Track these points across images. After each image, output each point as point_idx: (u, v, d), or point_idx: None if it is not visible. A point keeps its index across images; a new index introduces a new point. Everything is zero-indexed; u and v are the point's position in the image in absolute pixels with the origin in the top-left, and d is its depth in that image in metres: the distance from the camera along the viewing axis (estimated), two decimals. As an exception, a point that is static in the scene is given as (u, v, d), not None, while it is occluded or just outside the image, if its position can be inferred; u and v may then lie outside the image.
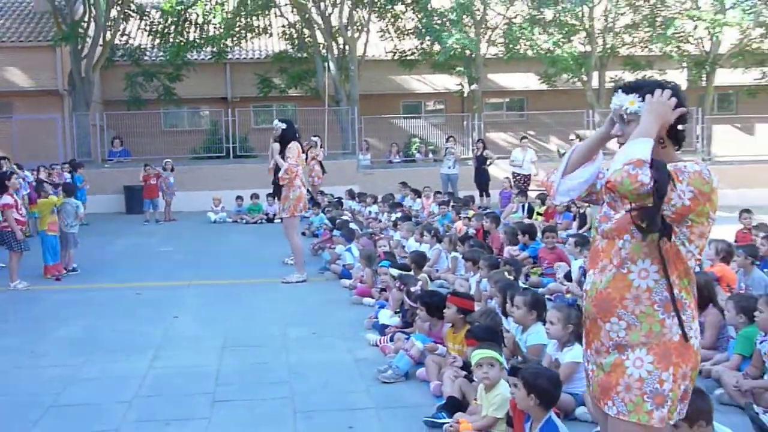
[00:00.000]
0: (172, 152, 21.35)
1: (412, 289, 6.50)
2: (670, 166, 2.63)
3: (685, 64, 25.41)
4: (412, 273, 7.43)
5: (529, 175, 17.82)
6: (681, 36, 24.00)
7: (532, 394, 3.88)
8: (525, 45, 23.76)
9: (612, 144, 3.06)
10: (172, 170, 18.39)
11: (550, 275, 9.09)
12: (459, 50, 22.57)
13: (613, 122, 2.92)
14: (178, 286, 9.82)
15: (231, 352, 6.72)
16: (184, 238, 14.83)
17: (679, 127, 2.81)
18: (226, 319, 7.96)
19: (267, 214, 17.63)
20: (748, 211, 11.08)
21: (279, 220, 16.43)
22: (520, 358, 5.12)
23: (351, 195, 17.46)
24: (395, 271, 7.32)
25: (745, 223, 10.68)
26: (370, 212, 15.68)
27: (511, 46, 24.14)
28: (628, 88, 2.85)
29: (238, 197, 18.17)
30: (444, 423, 4.76)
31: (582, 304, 3.04)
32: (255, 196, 18.15)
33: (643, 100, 2.76)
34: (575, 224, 13.18)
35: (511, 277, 6.72)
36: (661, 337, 2.71)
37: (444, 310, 5.80)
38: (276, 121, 10.20)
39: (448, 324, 5.88)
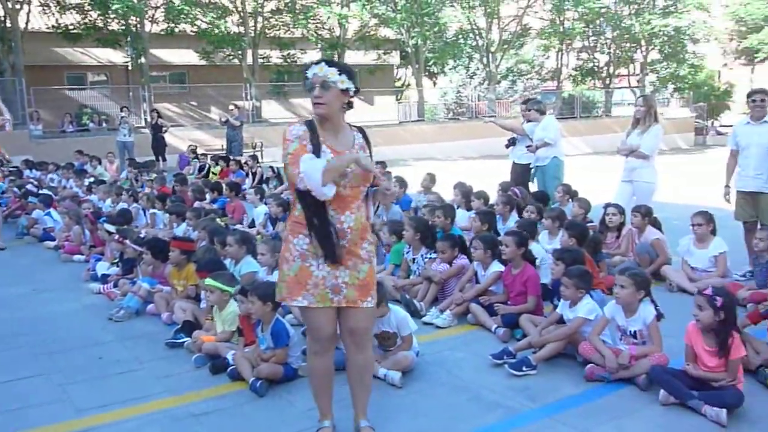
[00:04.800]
0: None
1: (142, 235, 6.64)
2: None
3: (320, 45, 27.30)
4: (127, 227, 7.48)
5: None
6: (318, 22, 25.76)
7: (268, 302, 4.49)
8: (186, 22, 23.54)
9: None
10: None
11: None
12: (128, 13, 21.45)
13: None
14: None
15: (-45, 316, 6.22)
16: None
17: (353, 100, 3.38)
18: (-64, 289, 7.20)
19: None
20: (381, 163, 12.70)
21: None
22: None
23: (29, 164, 15.97)
24: (111, 227, 7.30)
25: (379, 172, 12.26)
26: (51, 179, 14.61)
27: (172, 24, 23.74)
28: (331, 63, 3.31)
29: None
30: (184, 341, 5.18)
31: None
32: None
33: (340, 74, 3.24)
34: (249, 180, 13.88)
35: (222, 223, 7.19)
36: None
37: (168, 254, 6.10)
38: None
39: (171, 265, 6.20)
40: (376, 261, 3.49)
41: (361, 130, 3.50)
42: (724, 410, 3.78)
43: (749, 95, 6.74)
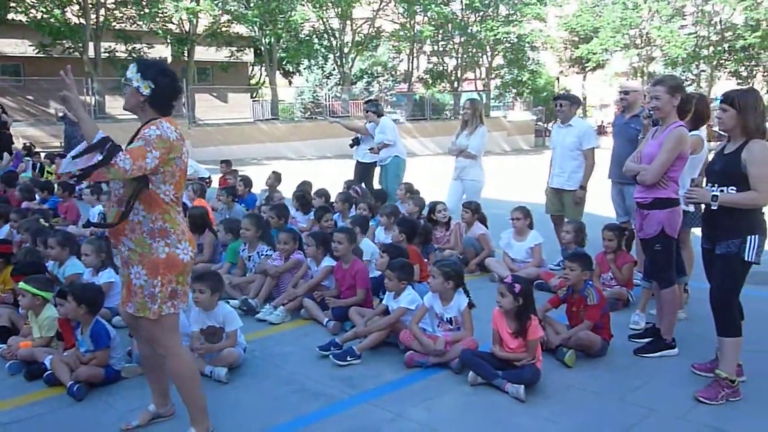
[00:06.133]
0: None
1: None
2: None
3: (169, 41, 26.38)
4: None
5: None
6: (165, 16, 24.86)
7: (83, 304, 4.34)
8: (18, 12, 21.92)
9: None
10: None
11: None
12: None
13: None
14: None
15: None
16: None
17: (173, 102, 3.35)
18: None
19: None
20: (226, 161, 12.59)
21: None
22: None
23: None
24: None
25: (224, 171, 12.08)
26: None
27: (2, 12, 22.01)
28: (141, 62, 3.31)
29: None
30: (-1, 349, 4.90)
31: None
32: None
33: (137, 72, 3.21)
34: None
35: (46, 224, 6.83)
36: (150, 256, 3.24)
37: (-17, 257, 5.73)
38: None
39: (-13, 269, 5.82)
40: (145, 272, 3.26)
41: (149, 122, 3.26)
42: (523, 386, 4.16)
43: (554, 99, 7.43)
